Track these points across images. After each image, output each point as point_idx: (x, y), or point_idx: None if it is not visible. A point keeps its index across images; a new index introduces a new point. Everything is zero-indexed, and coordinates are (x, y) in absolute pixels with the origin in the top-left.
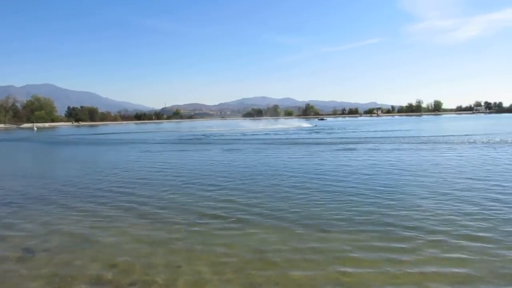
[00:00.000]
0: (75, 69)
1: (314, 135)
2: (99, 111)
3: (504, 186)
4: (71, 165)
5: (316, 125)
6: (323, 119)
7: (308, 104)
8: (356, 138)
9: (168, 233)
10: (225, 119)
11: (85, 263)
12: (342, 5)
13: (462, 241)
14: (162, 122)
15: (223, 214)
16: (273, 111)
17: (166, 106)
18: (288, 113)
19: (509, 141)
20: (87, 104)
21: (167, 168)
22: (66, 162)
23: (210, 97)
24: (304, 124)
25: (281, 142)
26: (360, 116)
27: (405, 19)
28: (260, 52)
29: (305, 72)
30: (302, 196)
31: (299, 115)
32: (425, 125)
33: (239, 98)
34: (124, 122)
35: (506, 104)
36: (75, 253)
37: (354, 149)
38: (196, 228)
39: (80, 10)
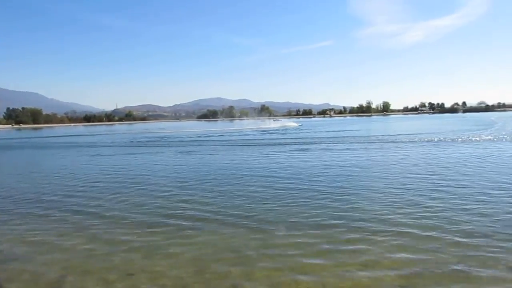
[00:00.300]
0: (17, 69)
1: (268, 136)
2: (44, 112)
3: (443, 182)
4: (9, 171)
5: (301, 124)
6: (278, 120)
7: (264, 105)
8: (309, 138)
9: (121, 239)
10: (180, 121)
11: (37, 270)
12: (295, 8)
13: (407, 238)
14: (114, 124)
15: (178, 217)
16: (229, 112)
17: (118, 107)
18: (243, 114)
19: (448, 140)
20: (31, 105)
21: (117, 172)
22: (3, 167)
23: (165, 98)
24: (292, 123)
25: (236, 143)
26: (314, 116)
27: (355, 24)
28: (216, 52)
29: (261, 73)
30: (255, 197)
31: (254, 116)
32: (375, 125)
33: (195, 99)
34: (72, 124)
35: (447, 105)
36: (29, 262)
37: (308, 149)
38: (151, 233)
39: (25, 7)
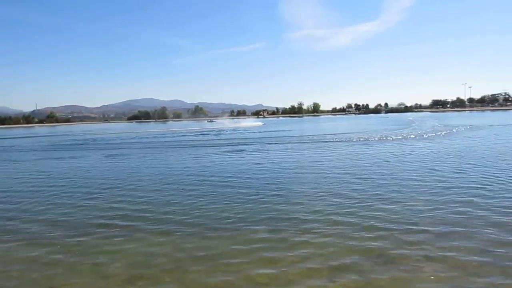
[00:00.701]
0: None
1: (201, 137)
2: None
3: (366, 178)
4: None
5: (264, 124)
6: (212, 121)
7: (197, 106)
8: (244, 138)
9: (41, 252)
10: (109, 123)
11: None
12: (226, 9)
13: (336, 229)
14: (33, 126)
15: (106, 225)
16: (161, 113)
17: (38, 108)
18: (177, 115)
19: (373, 139)
20: None
21: (36, 179)
22: None
23: (92, 98)
24: (258, 122)
25: (167, 145)
26: (248, 117)
27: (286, 26)
28: (147, 51)
29: (194, 74)
30: (188, 200)
31: (188, 117)
32: (306, 125)
33: (125, 100)
34: None
35: (371, 106)
36: None
37: (243, 150)
38: (76, 243)
39: None
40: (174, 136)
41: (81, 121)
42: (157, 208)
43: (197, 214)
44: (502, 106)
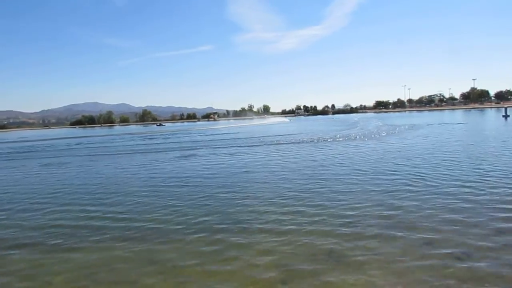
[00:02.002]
0: None
1: (148, 141)
2: None
3: (315, 179)
4: None
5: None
6: (161, 125)
7: (145, 110)
8: (194, 142)
9: None
10: (49, 128)
11: None
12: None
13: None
14: None
15: (47, 236)
16: (107, 117)
17: None
18: (124, 120)
19: (322, 140)
20: None
21: None
22: None
23: (30, 103)
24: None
25: (111, 152)
26: (199, 120)
27: (234, 29)
28: (89, 54)
29: (141, 77)
30: (137, 208)
31: (136, 121)
32: (257, 128)
33: (67, 104)
34: None
35: (319, 107)
36: None
37: (194, 155)
38: (12, 259)
39: None
40: (121, 141)
41: (17, 127)
42: (101, 216)
43: (145, 221)
44: (437, 106)
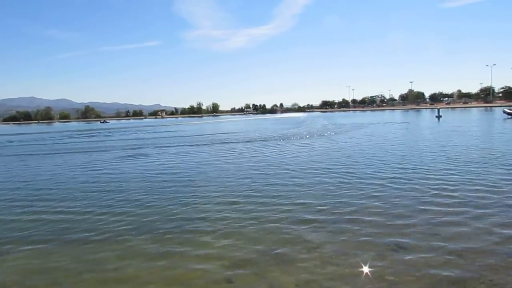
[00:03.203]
0: None
1: (90, 139)
2: None
3: (263, 177)
4: None
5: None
6: (106, 122)
7: (88, 106)
8: (137, 139)
9: None
10: None
11: None
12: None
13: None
14: None
15: None
16: (45, 113)
17: None
18: (64, 116)
19: (273, 138)
20: None
21: None
22: None
23: None
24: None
25: (46, 151)
26: (145, 118)
27: (182, 25)
28: (26, 45)
29: (82, 71)
30: (75, 210)
31: (78, 118)
32: (206, 126)
33: None
34: None
35: (268, 106)
36: None
37: (140, 154)
38: None
39: None
40: (61, 138)
41: None
42: (34, 219)
43: (82, 223)
44: (379, 106)
